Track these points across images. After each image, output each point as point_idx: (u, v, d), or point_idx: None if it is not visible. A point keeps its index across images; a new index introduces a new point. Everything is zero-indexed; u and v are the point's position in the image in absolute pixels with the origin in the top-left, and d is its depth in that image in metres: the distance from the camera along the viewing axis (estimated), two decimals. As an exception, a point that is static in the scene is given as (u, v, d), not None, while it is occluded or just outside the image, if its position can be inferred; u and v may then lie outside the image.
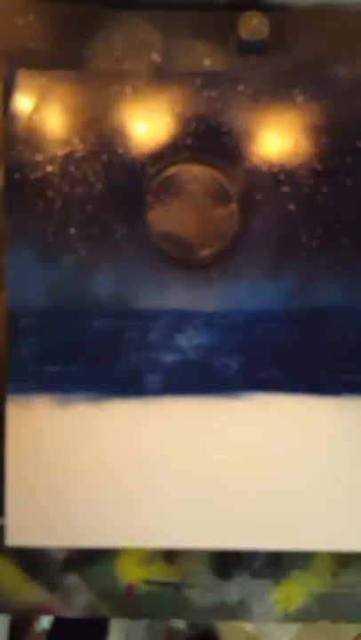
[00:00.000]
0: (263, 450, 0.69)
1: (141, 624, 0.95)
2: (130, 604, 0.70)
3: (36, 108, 0.70)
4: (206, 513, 0.68)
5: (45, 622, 0.91)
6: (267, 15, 0.70)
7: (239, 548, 0.68)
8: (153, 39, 0.73)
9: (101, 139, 0.70)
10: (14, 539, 0.70)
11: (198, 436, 0.69)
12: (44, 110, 0.71)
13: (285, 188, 0.70)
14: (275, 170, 0.70)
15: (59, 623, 0.90)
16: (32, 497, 0.70)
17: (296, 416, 0.69)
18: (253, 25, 0.70)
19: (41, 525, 0.70)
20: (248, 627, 0.92)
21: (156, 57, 0.73)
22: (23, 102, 0.71)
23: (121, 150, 0.70)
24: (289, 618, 0.69)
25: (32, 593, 0.71)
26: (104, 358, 0.69)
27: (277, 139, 0.70)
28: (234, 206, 0.70)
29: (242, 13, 0.70)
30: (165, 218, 0.70)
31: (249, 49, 0.72)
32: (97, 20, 0.72)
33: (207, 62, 0.72)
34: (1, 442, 0.69)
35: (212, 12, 0.72)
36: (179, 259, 0.70)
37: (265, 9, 0.70)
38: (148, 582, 0.70)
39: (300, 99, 0.70)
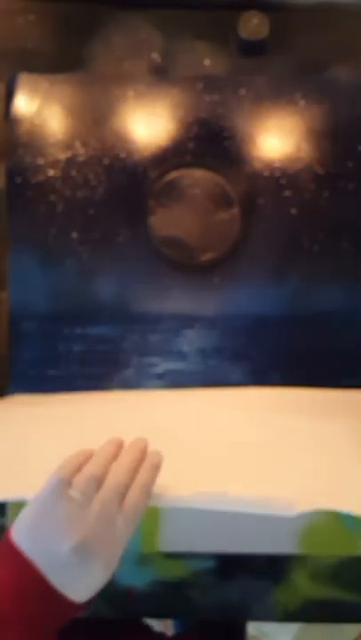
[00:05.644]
0: (265, 452, 0.69)
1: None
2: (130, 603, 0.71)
3: (38, 112, 0.70)
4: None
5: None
6: (267, 15, 0.70)
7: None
8: (153, 39, 0.72)
9: (103, 143, 0.70)
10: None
11: (199, 438, 0.70)
12: (46, 114, 0.70)
13: (287, 193, 0.70)
14: (276, 174, 0.70)
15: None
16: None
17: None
18: (253, 25, 0.70)
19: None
20: (248, 627, 0.92)
21: (156, 57, 0.72)
22: (25, 106, 0.70)
23: (123, 154, 0.70)
24: (289, 618, 0.69)
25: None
26: (106, 362, 0.70)
27: (279, 143, 0.70)
28: (236, 210, 0.70)
29: (242, 13, 0.70)
30: (167, 222, 0.70)
31: (249, 49, 0.71)
32: (97, 19, 0.72)
33: (207, 62, 0.72)
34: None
35: (212, 11, 0.72)
36: (180, 263, 0.70)
37: (265, 9, 0.70)
38: (148, 582, 0.71)
39: (302, 103, 0.70)
